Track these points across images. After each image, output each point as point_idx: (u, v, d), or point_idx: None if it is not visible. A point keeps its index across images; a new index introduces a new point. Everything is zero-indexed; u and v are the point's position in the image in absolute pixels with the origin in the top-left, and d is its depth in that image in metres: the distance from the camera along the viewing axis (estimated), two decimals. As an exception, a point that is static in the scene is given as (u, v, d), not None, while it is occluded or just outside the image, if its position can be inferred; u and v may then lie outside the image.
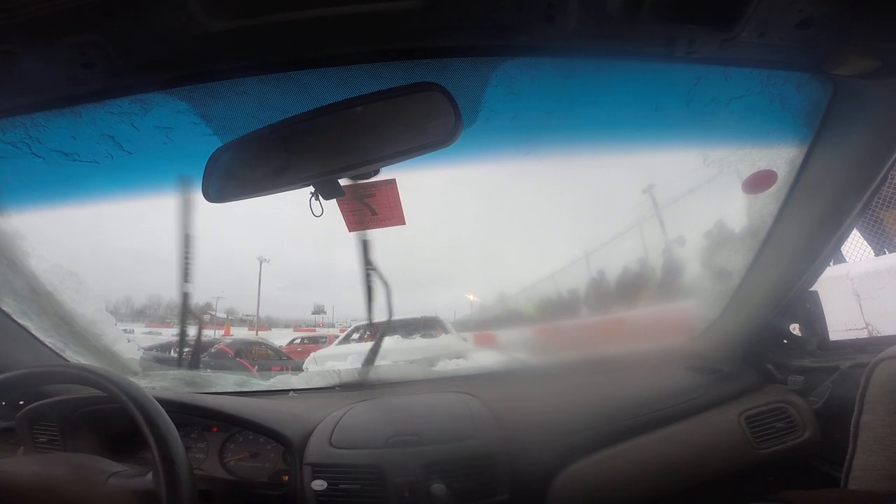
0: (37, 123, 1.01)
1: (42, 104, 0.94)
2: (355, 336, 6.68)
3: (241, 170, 0.95)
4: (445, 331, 6.30)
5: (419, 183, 1.28)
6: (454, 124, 0.83)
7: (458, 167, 1.24)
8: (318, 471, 1.31)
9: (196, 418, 1.47)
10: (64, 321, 1.63)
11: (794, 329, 1.53)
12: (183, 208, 1.43)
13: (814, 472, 1.38)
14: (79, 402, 1.40)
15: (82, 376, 1.11)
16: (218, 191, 0.96)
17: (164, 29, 0.79)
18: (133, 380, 1.68)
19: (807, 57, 0.92)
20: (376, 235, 1.44)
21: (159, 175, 1.24)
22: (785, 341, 1.56)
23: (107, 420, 1.38)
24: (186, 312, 1.99)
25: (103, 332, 1.72)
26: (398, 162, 0.91)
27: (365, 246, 1.56)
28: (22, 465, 1.08)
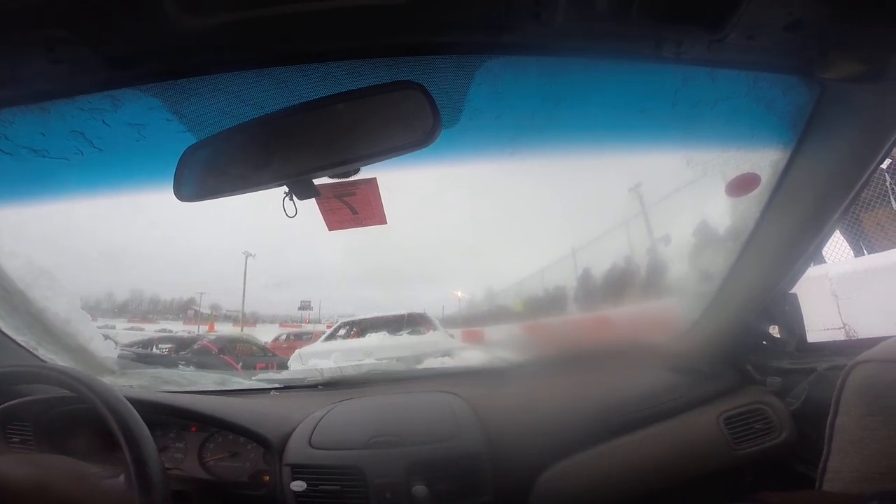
0: (3, 119, 0.97)
1: (8, 100, 0.91)
2: (342, 332, 6.64)
3: (214, 168, 0.92)
4: (433, 327, 6.29)
5: (402, 182, 1.27)
6: (432, 124, 0.82)
7: (441, 166, 1.23)
8: (298, 471, 1.30)
9: (173, 418, 1.45)
10: (37, 319, 1.60)
11: (774, 330, 1.55)
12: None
13: (791, 473, 1.40)
14: (53, 401, 1.37)
15: (51, 377, 1.09)
16: (190, 189, 0.93)
17: (136, 25, 0.76)
18: (109, 379, 1.67)
19: (795, 60, 0.92)
20: (363, 234, 1.42)
21: (132, 172, 1.20)
22: (764, 343, 1.57)
23: (82, 420, 1.35)
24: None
25: (78, 331, 1.69)
26: (375, 162, 0.89)
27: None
28: None
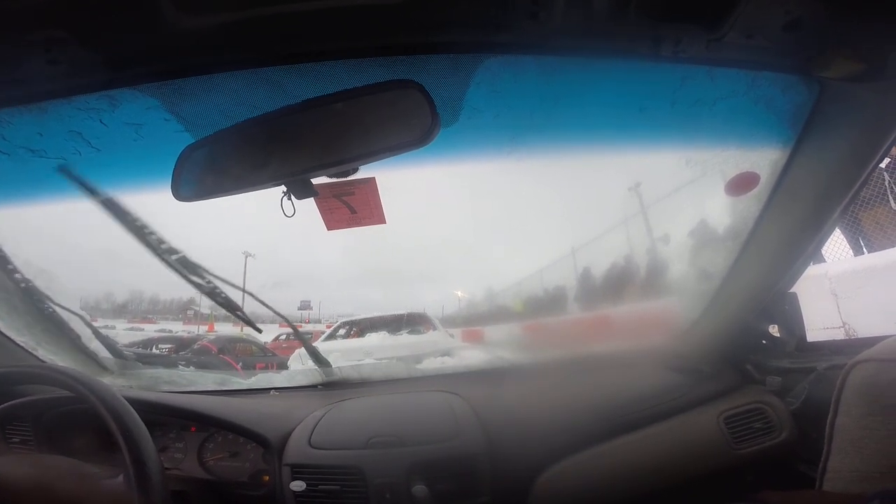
0: (0, 120, 0.97)
1: (5, 100, 0.90)
2: (341, 332, 6.63)
3: (212, 168, 0.93)
4: (433, 327, 6.29)
5: (401, 181, 1.26)
6: (430, 123, 0.82)
7: (440, 165, 1.23)
8: (298, 471, 1.30)
9: (173, 418, 1.45)
10: (36, 320, 1.59)
11: (773, 330, 1.55)
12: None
13: (792, 472, 1.40)
14: (52, 402, 1.37)
15: (50, 377, 1.09)
16: (188, 189, 0.93)
17: (133, 25, 0.75)
18: (109, 379, 1.67)
19: (793, 59, 0.92)
20: (362, 234, 1.42)
21: (130, 172, 1.20)
22: (764, 342, 1.57)
23: (82, 421, 1.35)
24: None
25: (77, 331, 1.68)
26: (373, 161, 0.89)
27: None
28: None
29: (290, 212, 1.01)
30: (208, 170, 0.93)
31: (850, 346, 1.41)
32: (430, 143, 0.82)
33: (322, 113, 0.86)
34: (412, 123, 0.83)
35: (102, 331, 1.82)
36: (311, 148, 0.89)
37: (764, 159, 1.23)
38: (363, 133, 0.86)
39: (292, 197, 0.98)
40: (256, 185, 0.92)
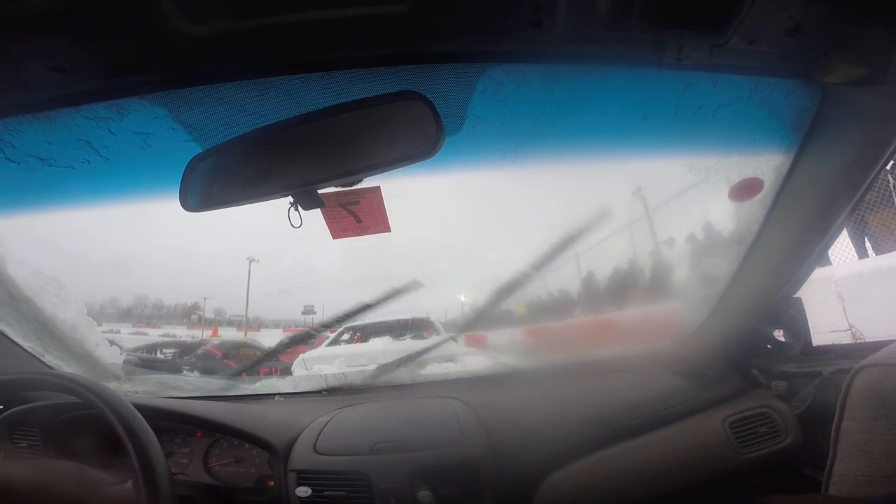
0: (10, 128, 0.98)
1: (11, 109, 0.91)
2: (345, 337, 6.60)
3: (218, 178, 0.93)
4: (436, 332, 6.26)
5: (406, 190, 1.27)
6: (435, 135, 0.82)
7: (445, 174, 1.23)
8: (303, 477, 1.30)
9: (179, 424, 1.45)
10: (44, 326, 1.61)
11: (779, 334, 1.55)
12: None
13: (798, 476, 1.40)
14: (60, 407, 1.38)
15: (57, 384, 1.09)
16: (196, 199, 0.94)
17: (140, 34, 0.76)
18: (115, 384, 1.68)
19: (796, 64, 0.92)
20: (368, 239, 1.43)
21: (139, 181, 1.21)
22: (769, 346, 1.57)
23: (89, 426, 1.36)
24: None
25: (84, 337, 1.70)
26: (380, 173, 0.89)
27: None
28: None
29: (297, 223, 1.01)
30: (215, 180, 0.93)
31: (856, 350, 1.41)
32: (436, 154, 0.83)
33: (328, 124, 0.86)
34: (418, 135, 0.83)
35: (107, 335, 1.83)
36: (317, 159, 0.89)
37: (768, 164, 1.23)
38: (369, 145, 0.86)
39: (299, 207, 0.98)
40: (263, 196, 0.92)
